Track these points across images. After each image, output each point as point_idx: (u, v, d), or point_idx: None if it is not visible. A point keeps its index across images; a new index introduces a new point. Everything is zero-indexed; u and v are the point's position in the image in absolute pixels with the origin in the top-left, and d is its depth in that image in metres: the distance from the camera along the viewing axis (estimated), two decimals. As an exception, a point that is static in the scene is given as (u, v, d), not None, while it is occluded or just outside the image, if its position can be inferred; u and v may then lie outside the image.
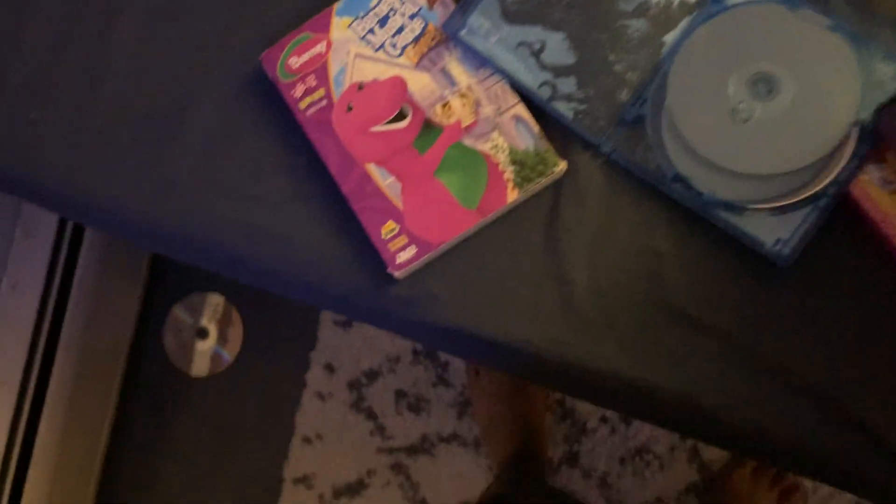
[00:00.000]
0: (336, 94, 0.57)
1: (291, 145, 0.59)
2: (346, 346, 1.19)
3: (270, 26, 0.60)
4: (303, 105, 0.58)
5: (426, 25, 0.57)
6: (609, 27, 0.57)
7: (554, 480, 1.13)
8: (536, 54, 0.57)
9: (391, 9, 0.57)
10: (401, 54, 0.57)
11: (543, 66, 0.57)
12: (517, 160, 0.55)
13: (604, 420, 1.12)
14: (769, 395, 0.55)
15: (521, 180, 0.55)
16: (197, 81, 0.61)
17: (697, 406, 0.56)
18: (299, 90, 0.58)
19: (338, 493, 1.18)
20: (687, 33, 0.56)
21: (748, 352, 0.55)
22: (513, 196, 0.55)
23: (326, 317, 1.20)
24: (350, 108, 0.57)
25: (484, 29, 0.57)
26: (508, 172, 0.55)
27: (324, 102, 0.57)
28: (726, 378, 0.55)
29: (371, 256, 0.56)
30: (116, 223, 0.63)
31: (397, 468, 1.17)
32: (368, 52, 0.57)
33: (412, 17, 0.57)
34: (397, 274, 0.56)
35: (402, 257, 0.55)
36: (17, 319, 1.02)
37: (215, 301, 1.26)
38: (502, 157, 0.55)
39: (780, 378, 0.55)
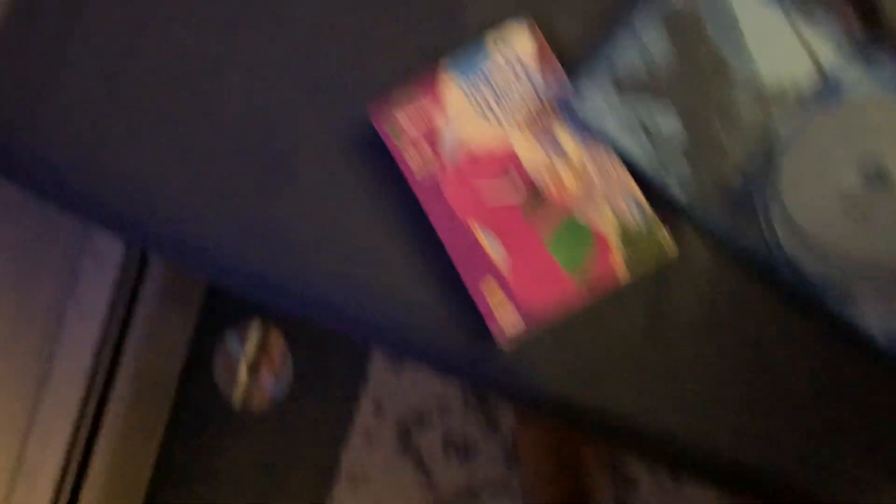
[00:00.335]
0: (447, 160, 0.58)
1: (400, 201, 0.59)
2: (395, 386, 1.19)
3: (380, 76, 0.60)
4: (413, 167, 0.58)
5: (537, 93, 0.58)
6: (723, 109, 0.57)
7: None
8: (648, 131, 0.57)
9: (502, 74, 0.58)
10: (510, 121, 0.58)
11: (655, 144, 0.57)
12: (628, 240, 0.55)
13: (652, 473, 1.11)
14: (870, 479, 0.55)
15: (632, 261, 0.55)
16: (305, 130, 0.61)
17: (797, 488, 0.56)
18: (409, 152, 0.58)
19: (380, 536, 1.18)
20: (802, 121, 0.56)
21: (855, 439, 0.54)
22: (622, 276, 0.55)
23: (377, 354, 1.20)
24: (460, 175, 0.58)
25: (596, 101, 0.57)
26: (618, 251, 0.55)
27: (434, 167, 0.58)
28: (832, 461, 0.54)
29: (476, 322, 0.57)
30: (215, 268, 0.63)
31: (443, 514, 1.16)
32: (478, 116, 0.58)
33: (523, 83, 0.58)
34: (502, 344, 0.56)
35: (509, 327, 0.55)
36: (79, 342, 1.03)
37: (265, 333, 1.26)
38: (613, 235, 0.55)
39: (883, 465, 0.54)
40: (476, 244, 0.57)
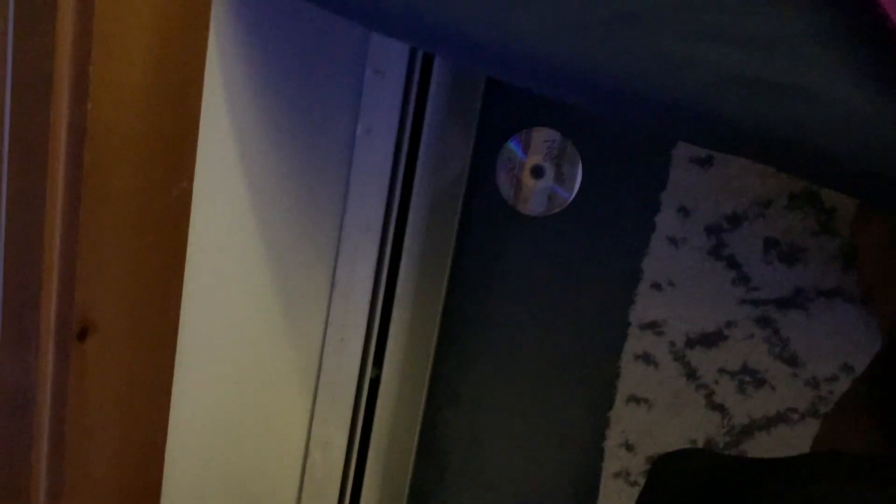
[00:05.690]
0: None
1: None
2: (703, 187, 1.07)
3: None
4: None
5: None
6: None
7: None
8: None
9: None
10: None
11: None
12: None
13: None
14: None
15: None
16: None
17: None
18: None
19: (691, 342, 1.11)
20: None
21: None
22: None
23: (681, 153, 1.07)
24: None
25: None
26: None
27: None
28: None
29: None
30: (546, 74, 0.53)
31: (763, 321, 1.06)
32: None
33: None
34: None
35: None
36: (374, 164, 1.01)
37: (550, 137, 1.17)
38: None
39: None
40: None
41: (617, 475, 1.20)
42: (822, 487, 0.53)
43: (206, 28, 0.65)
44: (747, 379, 1.08)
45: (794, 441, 1.08)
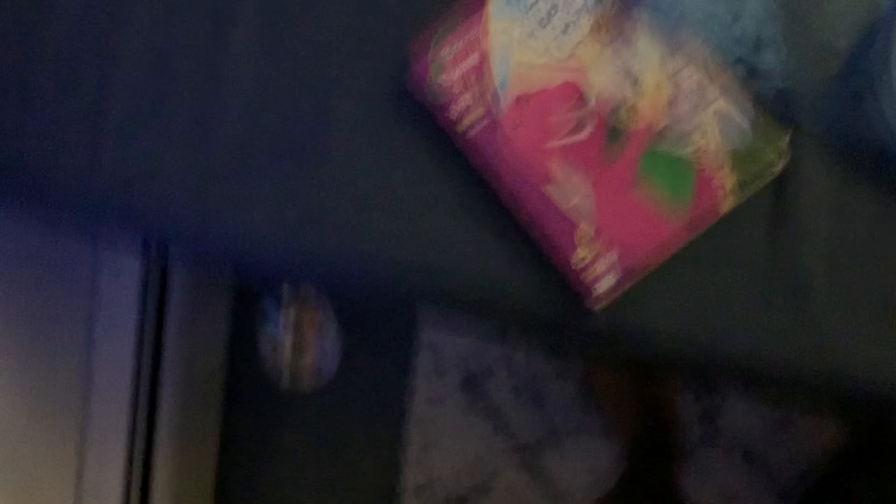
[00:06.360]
0: (499, 111, 0.50)
1: (451, 170, 0.52)
2: (452, 346, 1.14)
3: (409, 25, 0.52)
4: (461, 127, 0.50)
5: (595, 19, 0.49)
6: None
7: (689, 465, 1.07)
8: (729, 25, 0.49)
9: (553, 6, 0.49)
10: (570, 56, 0.50)
11: (738, 40, 0.49)
12: (729, 162, 0.48)
13: (741, 396, 1.06)
14: None
15: (737, 184, 0.48)
16: (330, 98, 0.53)
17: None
18: (455, 111, 0.50)
19: (462, 499, 1.14)
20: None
21: None
22: (726, 205, 0.48)
23: (427, 315, 1.15)
24: (518, 125, 0.50)
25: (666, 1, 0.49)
26: (719, 177, 0.48)
27: (486, 121, 0.50)
28: None
29: (561, 286, 0.50)
30: (257, 263, 0.56)
31: (525, 466, 1.12)
32: (531, 57, 0.50)
33: (577, 12, 0.49)
34: (597, 307, 0.49)
35: (601, 288, 0.48)
36: (114, 364, 0.98)
37: (309, 312, 1.20)
38: (709, 161, 0.48)
39: None
40: (547, 200, 0.49)
41: None
42: None
43: None
44: (519, 525, 1.12)
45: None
